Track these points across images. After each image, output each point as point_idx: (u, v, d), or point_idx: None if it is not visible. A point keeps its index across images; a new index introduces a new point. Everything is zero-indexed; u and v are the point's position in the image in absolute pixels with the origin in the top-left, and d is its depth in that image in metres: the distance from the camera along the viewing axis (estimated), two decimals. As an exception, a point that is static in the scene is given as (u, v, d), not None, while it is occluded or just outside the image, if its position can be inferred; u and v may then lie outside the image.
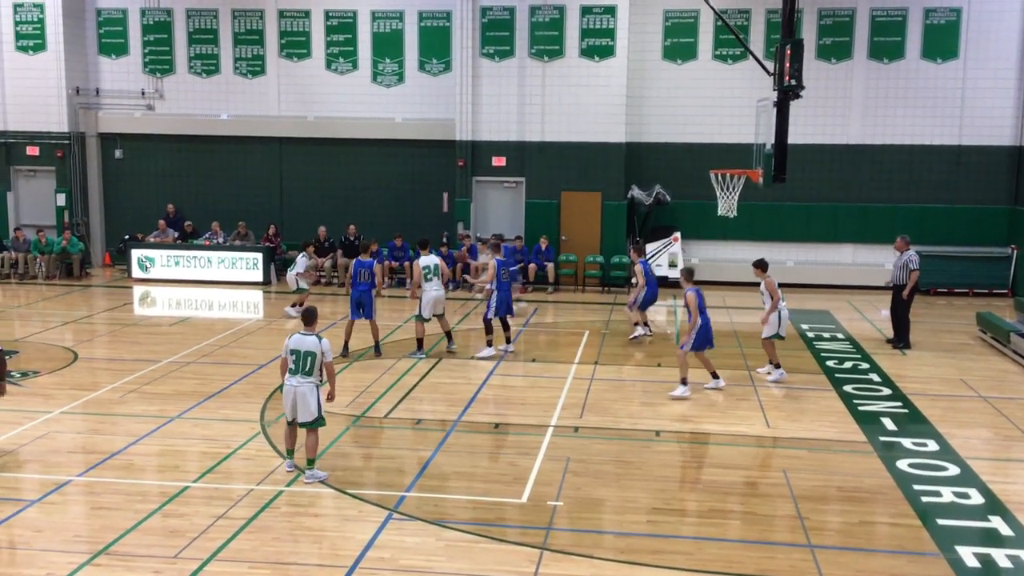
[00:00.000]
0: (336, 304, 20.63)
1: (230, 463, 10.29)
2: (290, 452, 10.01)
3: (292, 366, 9.68)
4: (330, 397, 9.95)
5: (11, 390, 13.09)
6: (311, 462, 9.84)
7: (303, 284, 18.81)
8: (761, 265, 14.49)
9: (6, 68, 25.02)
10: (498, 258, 15.58)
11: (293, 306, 18.93)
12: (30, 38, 24.89)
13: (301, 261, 18.91)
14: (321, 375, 9.81)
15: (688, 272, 13.62)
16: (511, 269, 15.74)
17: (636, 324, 16.98)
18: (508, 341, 15.85)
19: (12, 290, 22.55)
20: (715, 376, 13.60)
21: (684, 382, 13.17)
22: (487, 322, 15.51)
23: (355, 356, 15.40)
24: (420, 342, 15.51)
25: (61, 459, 10.43)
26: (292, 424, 9.86)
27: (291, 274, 18.85)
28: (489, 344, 15.50)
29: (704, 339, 13.26)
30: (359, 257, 15.62)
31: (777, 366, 14.31)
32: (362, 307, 15.26)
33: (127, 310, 20.25)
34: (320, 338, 9.78)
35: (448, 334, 15.80)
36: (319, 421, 9.79)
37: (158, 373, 14.23)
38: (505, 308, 15.57)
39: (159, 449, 10.81)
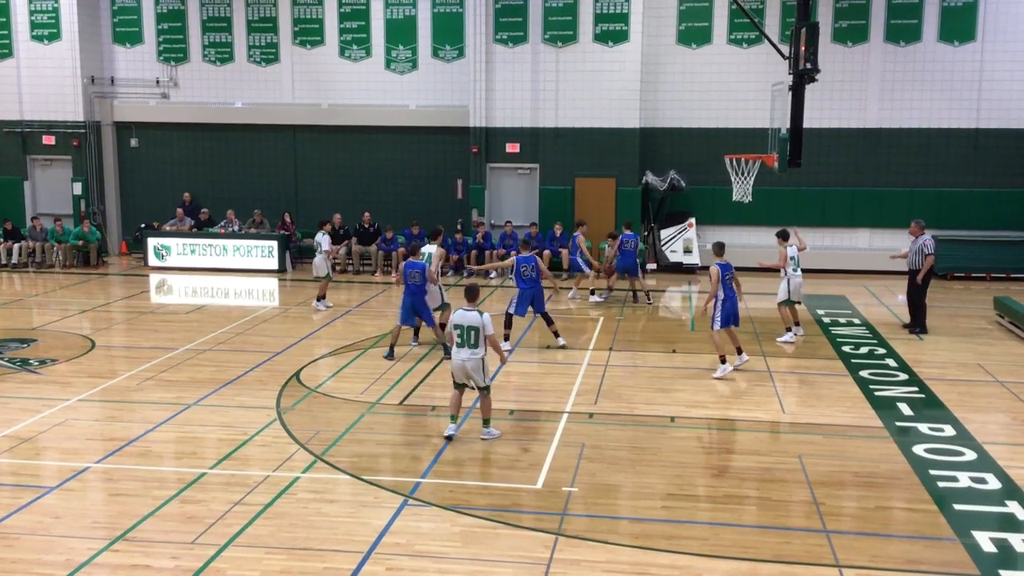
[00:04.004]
0: (351, 292, 20.65)
1: (247, 450, 10.34)
2: (453, 418, 10.68)
3: (458, 339, 10.41)
4: (502, 361, 11.57)
5: (28, 378, 13.23)
6: (486, 422, 10.69)
7: (328, 270, 18.30)
8: (781, 235, 16.22)
9: (22, 58, 25.17)
10: (521, 255, 15.27)
11: (320, 299, 18.33)
12: (45, 27, 24.99)
13: (324, 239, 18.36)
14: (486, 347, 10.47)
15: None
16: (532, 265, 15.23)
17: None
18: (556, 335, 15.22)
19: (30, 279, 22.70)
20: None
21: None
22: (507, 316, 15.21)
23: (372, 343, 15.45)
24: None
25: (79, 446, 10.50)
26: (461, 388, 10.65)
27: (319, 258, 18.21)
28: (505, 338, 15.07)
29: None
30: (410, 259, 14.58)
31: (788, 330, 15.94)
32: (417, 312, 14.46)
33: (144, 298, 20.35)
34: (481, 313, 10.39)
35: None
36: (488, 388, 10.66)
37: (175, 361, 14.31)
38: (535, 305, 15.10)
39: (176, 436, 10.88)
